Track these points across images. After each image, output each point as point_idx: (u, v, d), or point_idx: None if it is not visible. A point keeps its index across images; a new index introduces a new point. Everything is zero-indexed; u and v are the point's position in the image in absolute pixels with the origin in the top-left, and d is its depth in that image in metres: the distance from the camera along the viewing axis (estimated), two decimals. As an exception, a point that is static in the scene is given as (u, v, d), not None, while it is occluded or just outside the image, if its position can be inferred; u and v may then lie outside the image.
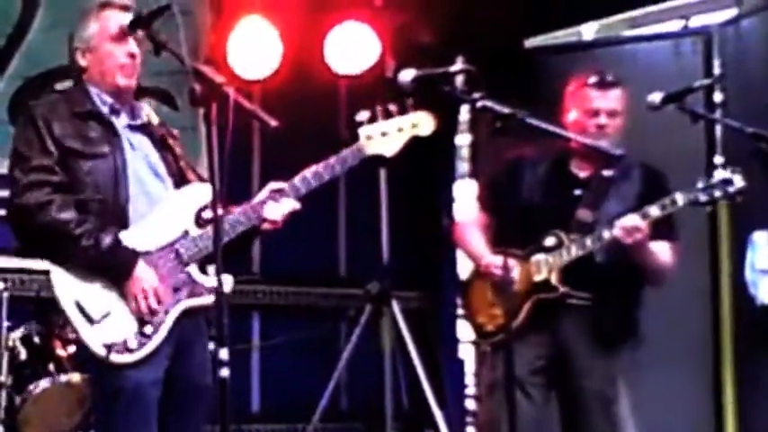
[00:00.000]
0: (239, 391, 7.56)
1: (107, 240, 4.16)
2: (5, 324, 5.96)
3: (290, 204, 4.44)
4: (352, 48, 7.64)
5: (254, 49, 7.41)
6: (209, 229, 4.26)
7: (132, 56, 4.34)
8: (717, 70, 6.67)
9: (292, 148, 7.23)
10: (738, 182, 4.85)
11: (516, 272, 5.04)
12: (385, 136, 4.54)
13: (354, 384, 7.84)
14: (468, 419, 7.49)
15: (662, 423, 6.02)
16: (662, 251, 5.01)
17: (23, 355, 6.00)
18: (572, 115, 5.09)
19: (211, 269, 4.20)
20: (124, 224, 4.25)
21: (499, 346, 5.07)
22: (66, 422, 5.88)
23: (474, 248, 5.25)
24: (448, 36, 7.36)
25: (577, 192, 5.08)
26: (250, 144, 7.78)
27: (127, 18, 4.26)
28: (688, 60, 6.80)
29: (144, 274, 4.19)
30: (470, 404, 7.52)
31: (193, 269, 4.30)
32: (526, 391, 4.98)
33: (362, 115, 4.54)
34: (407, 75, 4.45)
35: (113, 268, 4.18)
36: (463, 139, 7.68)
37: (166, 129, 4.51)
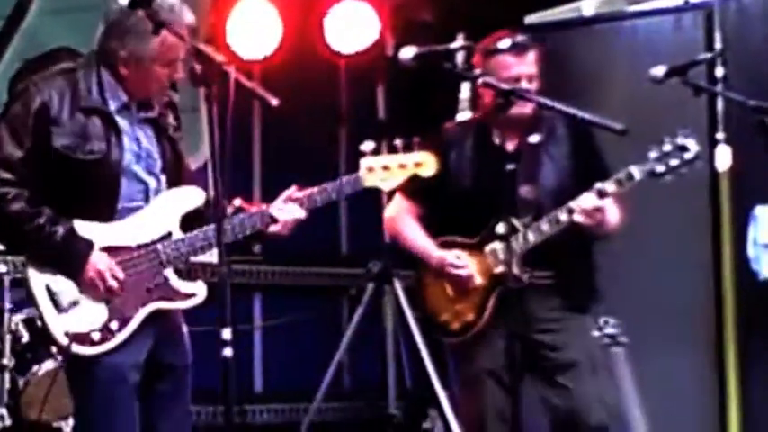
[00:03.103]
0: (242, 371, 7.57)
1: (60, 232, 4.12)
2: (8, 307, 5.96)
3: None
4: (352, 26, 7.63)
5: (254, 29, 7.40)
6: (192, 234, 4.25)
7: (176, 80, 4.26)
8: (718, 45, 6.63)
9: (293, 127, 7.27)
10: (693, 146, 4.76)
11: (473, 266, 4.91)
12: (386, 170, 4.48)
13: (357, 364, 7.85)
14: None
15: (664, 400, 6.01)
16: (611, 211, 4.88)
17: (26, 337, 6.00)
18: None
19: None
20: (110, 221, 4.21)
21: (468, 343, 4.94)
22: (70, 404, 5.87)
23: (417, 243, 5.05)
24: (448, 13, 7.34)
25: (510, 166, 4.72)
26: (251, 123, 7.78)
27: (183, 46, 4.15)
28: (689, 35, 6.76)
29: (97, 258, 4.15)
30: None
31: (171, 272, 4.26)
32: (502, 381, 4.82)
33: (367, 146, 4.49)
34: (408, 52, 4.43)
35: (68, 259, 4.13)
36: (464, 117, 7.65)
37: (172, 107, 4.42)
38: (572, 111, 4.84)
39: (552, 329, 4.95)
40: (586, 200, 4.77)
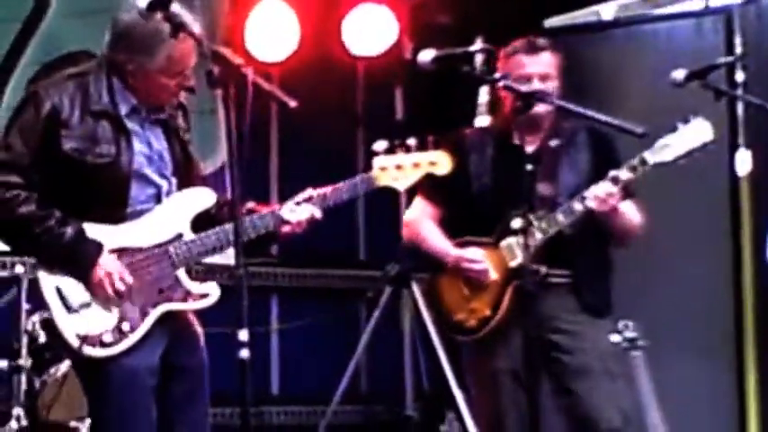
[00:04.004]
0: (259, 373, 7.56)
1: (69, 233, 4.11)
2: (25, 307, 5.97)
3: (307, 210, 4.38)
4: (370, 29, 7.62)
5: (272, 31, 7.40)
6: (204, 234, 4.24)
7: (187, 88, 4.25)
8: (738, 49, 6.62)
9: (310, 129, 7.26)
10: (707, 131, 4.75)
11: (488, 261, 4.91)
12: (399, 170, 4.47)
13: (374, 366, 7.84)
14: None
15: (684, 405, 5.99)
16: (630, 211, 4.91)
17: (42, 338, 6.01)
18: None
19: (230, 251, 4.16)
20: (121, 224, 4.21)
21: (486, 340, 4.94)
22: (86, 405, 5.88)
23: (435, 244, 5.07)
24: (466, 16, 7.33)
25: (529, 167, 4.73)
26: (268, 125, 7.77)
27: (194, 55, 4.15)
28: (709, 39, 6.76)
29: (106, 260, 4.13)
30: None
31: (182, 273, 4.24)
32: (520, 380, 4.79)
33: (380, 145, 4.47)
34: (427, 55, 4.42)
35: (77, 261, 4.12)
36: (483, 121, 7.63)
37: (182, 109, 4.42)
38: (592, 114, 4.84)
39: (567, 331, 4.93)
40: (600, 187, 4.78)
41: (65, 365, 5.91)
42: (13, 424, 5.80)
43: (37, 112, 4.17)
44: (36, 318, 6.00)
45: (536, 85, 4.86)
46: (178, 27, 4.02)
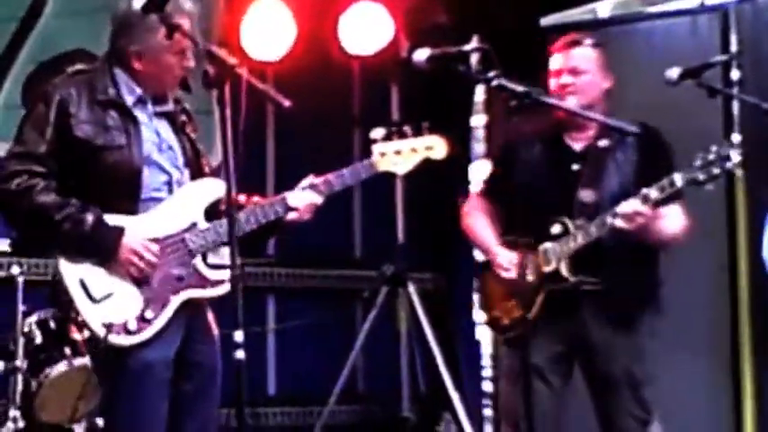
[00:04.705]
0: (255, 374, 7.55)
1: (89, 219, 4.17)
2: (21, 308, 5.96)
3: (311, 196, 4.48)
4: (366, 28, 7.62)
5: (268, 30, 7.39)
6: (218, 222, 4.29)
7: (188, 69, 4.34)
8: (734, 47, 6.61)
9: (306, 129, 7.26)
10: (736, 157, 4.77)
11: (528, 263, 4.98)
12: (398, 155, 4.63)
13: (371, 367, 7.84)
14: (485, 401, 7.47)
15: (679, 404, 6.00)
16: (672, 215, 4.94)
17: (39, 339, 6.00)
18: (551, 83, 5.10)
19: (225, 251, 4.17)
20: (134, 213, 4.27)
21: (517, 339, 5.02)
22: (83, 406, 5.87)
23: (482, 239, 5.21)
24: (462, 15, 7.32)
25: (575, 166, 4.99)
26: (264, 125, 7.77)
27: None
28: (704, 38, 6.74)
29: (130, 239, 4.18)
30: (487, 386, 7.50)
31: (199, 261, 4.30)
32: (546, 379, 4.94)
33: (377, 132, 4.62)
34: (422, 54, 4.43)
35: (99, 245, 4.18)
36: (478, 120, 7.64)
37: (186, 114, 4.49)
38: (586, 113, 4.85)
39: (594, 341, 4.99)
40: (629, 204, 4.80)
41: (61, 366, 5.91)
42: (9, 425, 5.79)
43: (47, 106, 4.26)
44: (32, 319, 5.99)
45: (564, 79, 4.99)
46: (173, 29, 4.05)
